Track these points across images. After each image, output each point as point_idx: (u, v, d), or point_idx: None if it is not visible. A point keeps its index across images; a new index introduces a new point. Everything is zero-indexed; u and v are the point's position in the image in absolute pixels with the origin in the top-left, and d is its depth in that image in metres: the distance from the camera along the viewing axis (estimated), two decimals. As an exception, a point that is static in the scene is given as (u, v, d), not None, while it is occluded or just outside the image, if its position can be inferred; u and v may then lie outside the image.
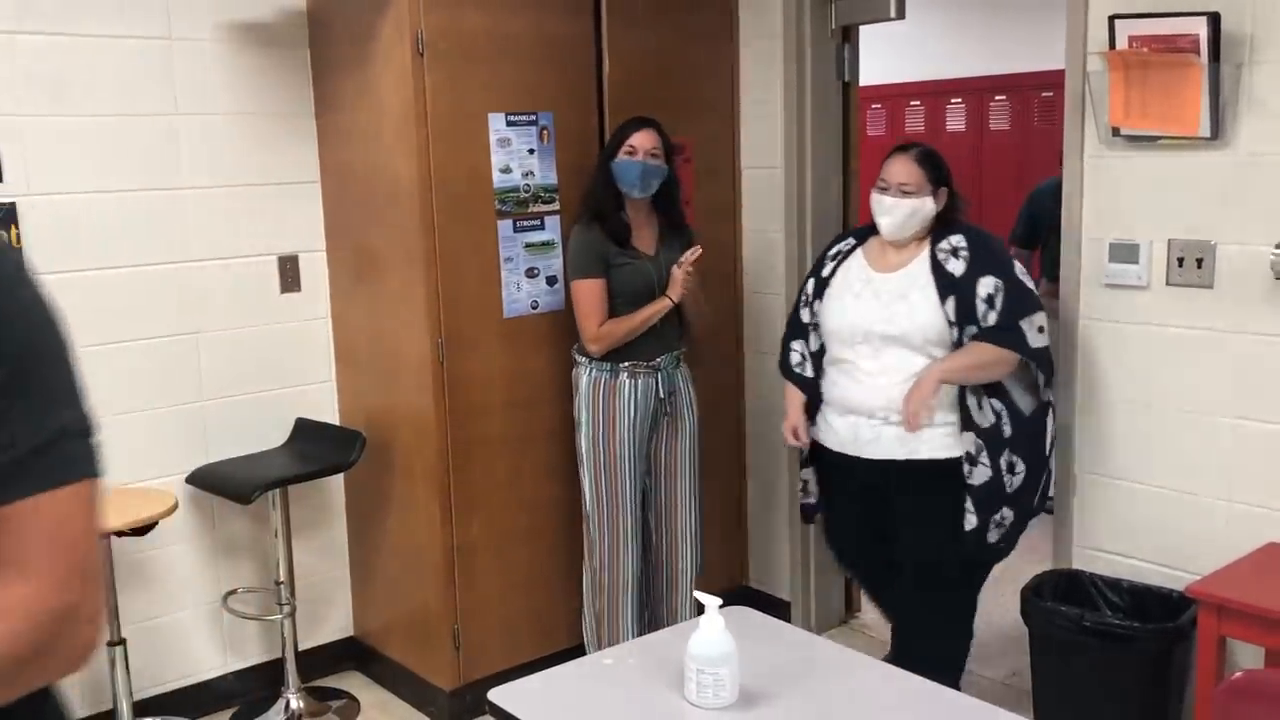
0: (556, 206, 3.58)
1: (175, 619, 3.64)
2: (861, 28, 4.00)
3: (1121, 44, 2.89)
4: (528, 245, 3.52)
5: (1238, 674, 1.99)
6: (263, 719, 3.65)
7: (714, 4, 3.92)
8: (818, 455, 3.26)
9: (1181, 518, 3.01)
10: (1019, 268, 2.97)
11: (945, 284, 2.93)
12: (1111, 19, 2.89)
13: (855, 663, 2.22)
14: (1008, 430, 2.94)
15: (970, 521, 2.94)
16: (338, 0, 3.55)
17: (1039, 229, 4.58)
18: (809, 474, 3.34)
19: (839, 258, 3.18)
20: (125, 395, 3.46)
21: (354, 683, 3.93)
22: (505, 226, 3.47)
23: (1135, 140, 2.95)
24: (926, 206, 3.01)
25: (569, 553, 3.69)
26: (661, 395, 3.46)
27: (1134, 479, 3.10)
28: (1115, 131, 2.97)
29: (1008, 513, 2.97)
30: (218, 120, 3.55)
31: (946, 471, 2.95)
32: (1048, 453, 3.06)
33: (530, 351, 3.58)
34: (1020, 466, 2.96)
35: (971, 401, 2.93)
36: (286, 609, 3.62)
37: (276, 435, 3.75)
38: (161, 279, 3.50)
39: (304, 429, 3.77)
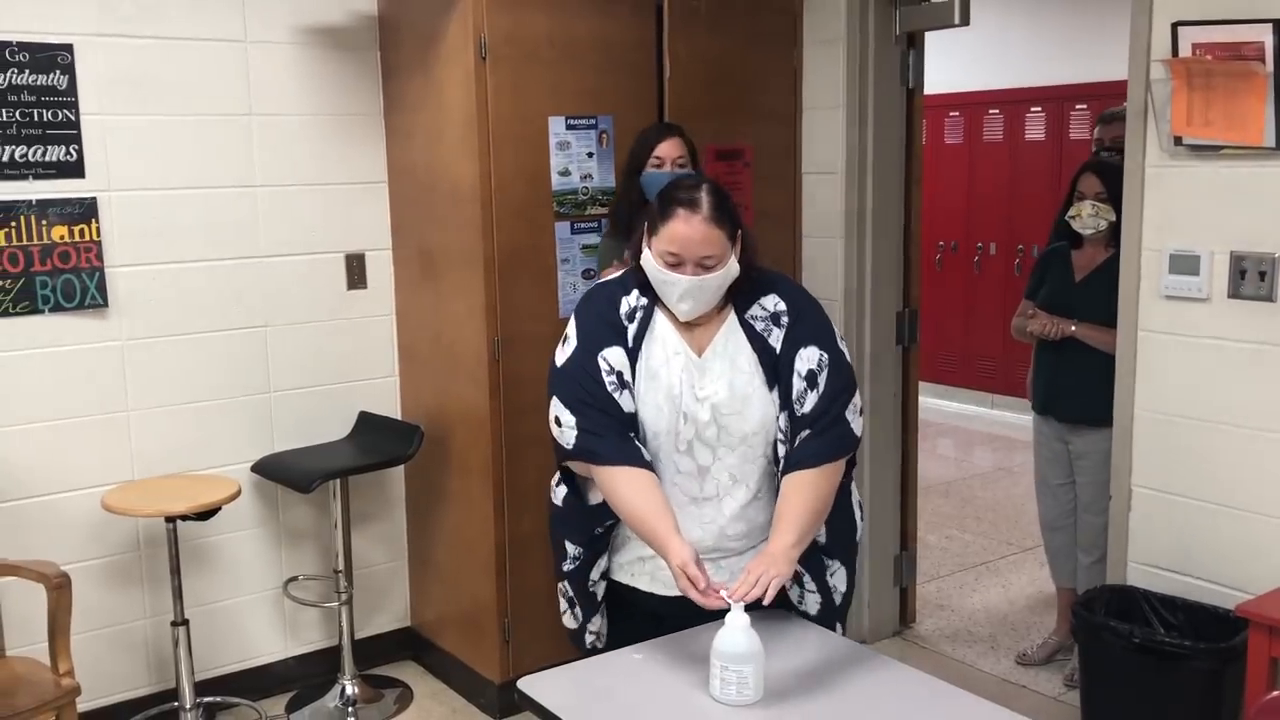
0: (614, 209, 3.62)
1: (237, 603, 3.76)
2: (940, 35, 3.98)
3: (1185, 52, 2.84)
4: (584, 247, 3.57)
5: (1274, 694, 1.95)
6: (319, 704, 3.75)
7: (777, 8, 3.94)
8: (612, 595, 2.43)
9: (1239, 535, 2.94)
10: (838, 331, 2.33)
11: (770, 365, 2.25)
12: (1174, 26, 2.84)
13: (883, 667, 2.22)
14: (822, 538, 2.31)
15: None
16: (407, 4, 3.64)
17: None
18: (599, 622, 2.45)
19: (638, 319, 2.28)
20: (196, 385, 3.59)
21: (409, 672, 4.02)
22: (563, 228, 3.53)
23: (1198, 149, 2.90)
24: (733, 270, 2.22)
25: (620, 552, 3.72)
26: None
27: (1190, 495, 3.03)
28: (1177, 140, 2.92)
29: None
30: (290, 120, 3.67)
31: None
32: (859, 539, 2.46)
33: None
34: (840, 573, 2.38)
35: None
36: (344, 597, 3.71)
37: (340, 427, 3.86)
38: (233, 274, 3.62)
39: (366, 422, 3.87)
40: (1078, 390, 3.69)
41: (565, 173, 3.51)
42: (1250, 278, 2.84)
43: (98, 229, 3.36)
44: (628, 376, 2.24)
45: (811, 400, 2.21)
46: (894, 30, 3.86)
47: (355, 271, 3.86)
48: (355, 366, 3.89)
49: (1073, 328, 3.67)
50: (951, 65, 6.85)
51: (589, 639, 2.43)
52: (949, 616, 4.43)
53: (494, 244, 3.42)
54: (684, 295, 2.19)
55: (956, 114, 7.67)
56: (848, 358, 2.30)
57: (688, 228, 2.16)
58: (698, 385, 2.24)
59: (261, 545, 3.79)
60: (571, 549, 2.36)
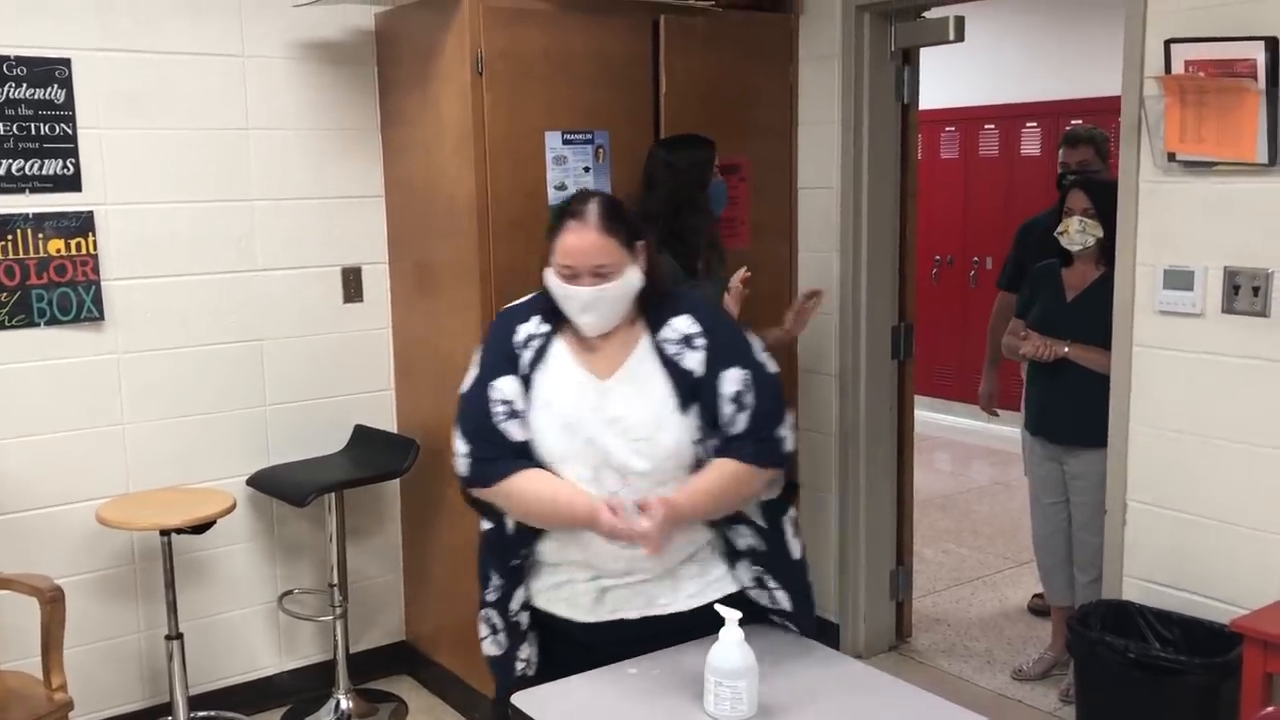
0: (611, 223, 3.62)
1: (232, 616, 3.75)
2: (936, 51, 4.00)
3: (1178, 69, 2.86)
4: (581, 261, 3.57)
5: (1269, 710, 1.95)
6: (313, 718, 3.74)
7: (772, 24, 3.95)
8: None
9: (1234, 550, 2.94)
10: (758, 345, 2.29)
11: (686, 388, 2.20)
12: (1168, 43, 2.86)
13: (879, 682, 2.22)
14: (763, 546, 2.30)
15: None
16: (404, 19, 3.66)
17: (1026, 267, 4.15)
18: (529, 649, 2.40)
19: (533, 347, 2.27)
20: (192, 398, 3.59)
21: (404, 686, 4.01)
22: (559, 242, 3.53)
23: (1191, 165, 2.91)
24: (633, 280, 2.21)
25: (615, 566, 3.72)
26: None
27: (1186, 510, 3.03)
28: (1171, 157, 2.93)
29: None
30: (287, 135, 3.68)
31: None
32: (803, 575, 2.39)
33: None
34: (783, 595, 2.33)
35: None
36: (339, 611, 3.71)
37: (336, 441, 3.86)
38: (229, 287, 3.63)
39: (362, 435, 3.87)
40: (1071, 412, 3.66)
41: (562, 187, 3.52)
42: (1244, 293, 2.85)
43: (94, 242, 3.37)
44: (519, 405, 2.22)
45: (742, 422, 2.19)
46: (889, 46, 3.88)
47: (351, 285, 3.87)
48: (351, 380, 3.90)
49: (1065, 349, 3.62)
50: (948, 81, 6.88)
51: (519, 666, 2.40)
52: (945, 631, 4.43)
53: (490, 258, 3.42)
54: (585, 308, 2.18)
55: (952, 129, 7.70)
56: (770, 370, 2.26)
57: (578, 238, 2.17)
58: (603, 410, 2.20)
59: (256, 559, 3.78)
60: (494, 578, 2.35)
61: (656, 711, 2.06)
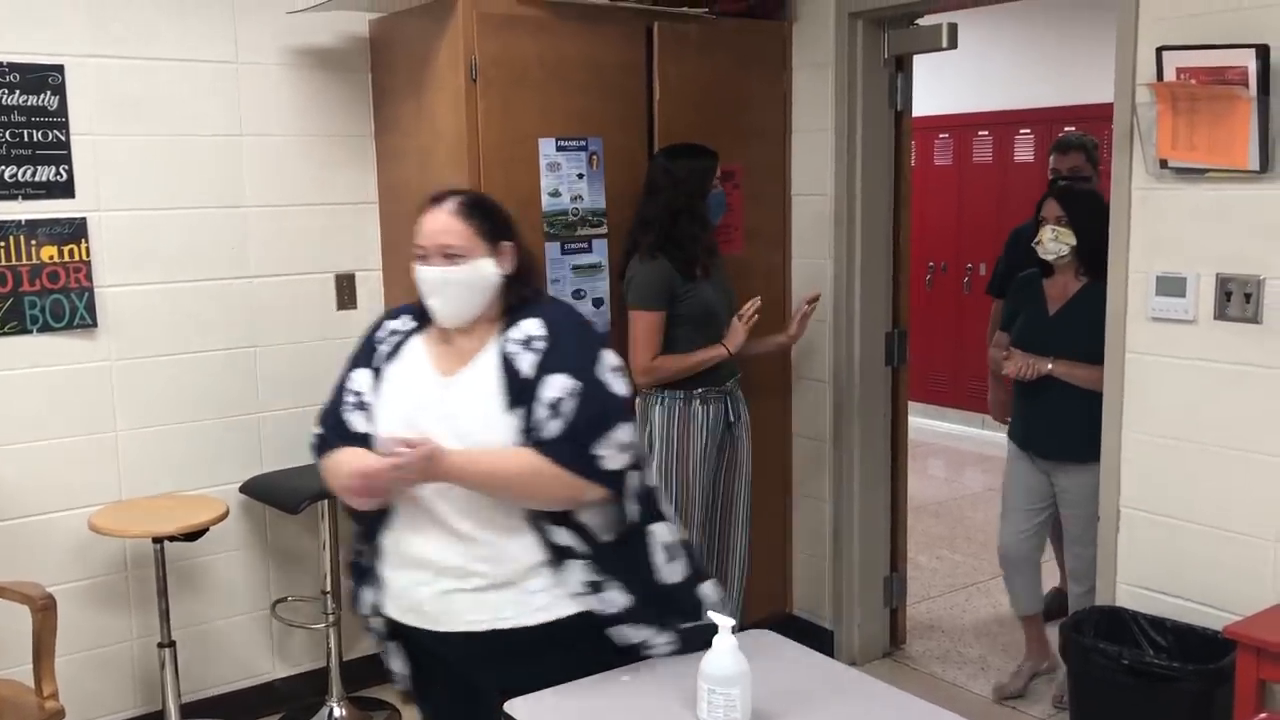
0: (604, 230, 3.63)
1: (225, 624, 3.74)
2: (930, 58, 4.01)
3: (1169, 76, 2.86)
4: (575, 268, 3.58)
5: (1262, 715, 1.95)
6: (306, 726, 3.73)
7: (766, 31, 3.96)
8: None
9: (1228, 557, 2.95)
10: (609, 363, 2.22)
11: (515, 389, 2.17)
12: (1159, 51, 2.87)
13: (872, 689, 2.22)
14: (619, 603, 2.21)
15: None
16: (397, 26, 3.66)
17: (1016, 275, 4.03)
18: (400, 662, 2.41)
19: (391, 343, 2.33)
20: (185, 406, 3.58)
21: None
22: (553, 249, 3.53)
23: (1183, 173, 2.92)
24: (485, 271, 2.23)
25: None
26: (730, 419, 3.54)
27: (1180, 516, 3.04)
28: (1163, 164, 2.94)
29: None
30: (281, 141, 3.68)
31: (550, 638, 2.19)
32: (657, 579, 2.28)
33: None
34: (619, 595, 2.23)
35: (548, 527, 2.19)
36: (332, 618, 3.70)
37: (329, 448, 3.84)
38: (223, 294, 3.62)
39: (355, 443, 3.85)
40: (1059, 429, 3.60)
41: (555, 194, 3.52)
42: (1236, 299, 2.86)
43: (87, 249, 3.36)
44: (368, 398, 2.27)
45: (554, 428, 2.12)
46: (882, 54, 3.89)
47: (345, 292, 3.86)
48: (345, 387, 3.88)
49: (1049, 366, 3.57)
50: (941, 88, 6.90)
51: (396, 679, 2.44)
52: (939, 638, 4.43)
53: (484, 265, 3.42)
54: (431, 290, 2.23)
55: (946, 136, 7.72)
56: (611, 389, 2.19)
57: (430, 219, 2.25)
58: (440, 405, 2.21)
59: (249, 566, 3.77)
60: (346, 579, 2.40)
61: (651, 719, 2.06)
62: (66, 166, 3.31)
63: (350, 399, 2.28)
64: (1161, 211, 2.99)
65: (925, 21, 3.86)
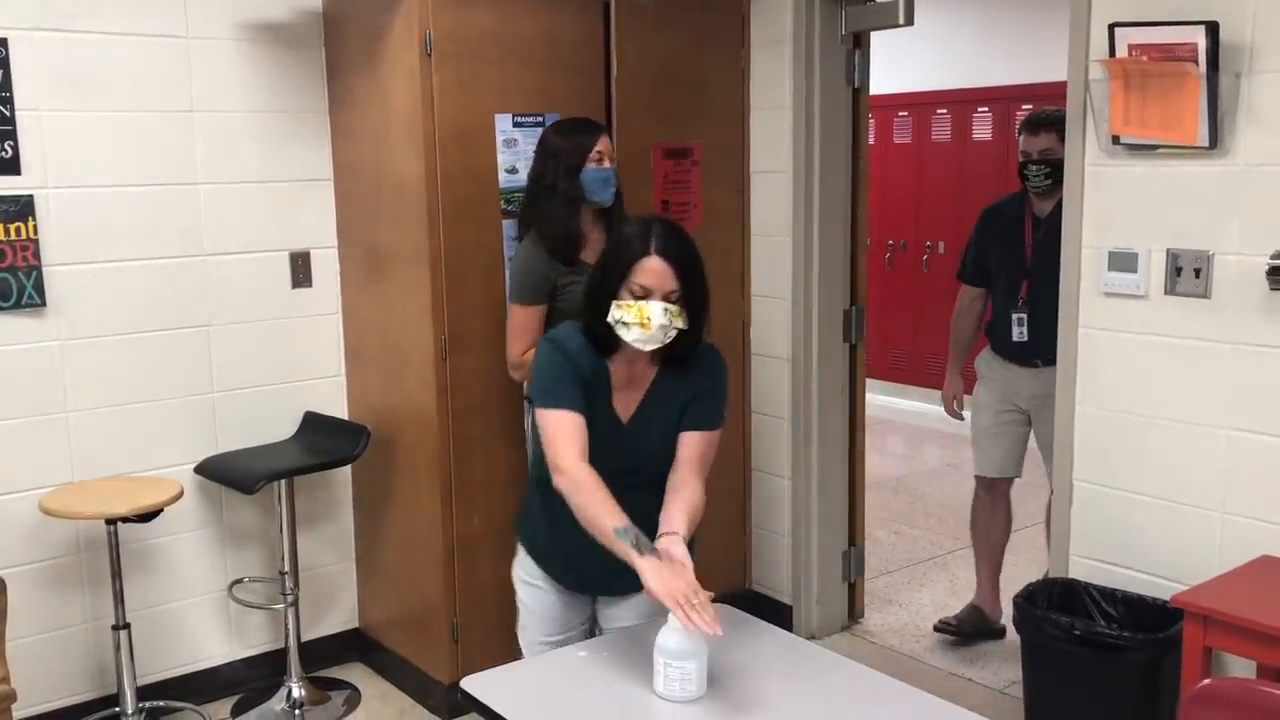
0: (562, 207, 3.60)
1: (181, 606, 3.71)
2: (890, 37, 4.01)
3: (1121, 52, 2.88)
4: (532, 245, 3.56)
5: (1205, 681, 1.99)
6: (265, 707, 3.71)
7: (724, 8, 3.95)
8: None
9: (1177, 528, 2.99)
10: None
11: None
12: (1111, 27, 2.89)
13: (830, 662, 2.24)
14: None
15: None
16: (351, 0, 3.61)
17: (986, 260, 4.07)
18: None
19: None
20: (137, 385, 3.53)
21: (357, 674, 3.98)
22: (510, 226, 3.51)
23: (1135, 149, 2.94)
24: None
25: (569, 550, 3.71)
26: None
27: (1131, 489, 3.08)
28: (1115, 140, 2.96)
29: None
30: (233, 117, 3.62)
31: None
32: None
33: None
34: None
35: None
36: (290, 599, 3.68)
37: (285, 428, 3.82)
38: (175, 272, 3.57)
39: (312, 422, 3.83)
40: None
41: (513, 170, 3.50)
42: (1186, 275, 2.89)
43: (35, 227, 3.30)
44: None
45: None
46: (840, 30, 3.89)
47: (300, 270, 3.82)
48: (300, 366, 3.85)
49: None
50: (901, 66, 6.91)
51: None
52: (897, 612, 4.48)
53: (441, 242, 3.40)
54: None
55: (905, 114, 7.75)
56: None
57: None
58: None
59: (205, 547, 3.74)
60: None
61: (606, 694, 2.07)
62: (12, 143, 3.24)
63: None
64: (1113, 187, 3.02)
65: (882, -2, 3.87)
